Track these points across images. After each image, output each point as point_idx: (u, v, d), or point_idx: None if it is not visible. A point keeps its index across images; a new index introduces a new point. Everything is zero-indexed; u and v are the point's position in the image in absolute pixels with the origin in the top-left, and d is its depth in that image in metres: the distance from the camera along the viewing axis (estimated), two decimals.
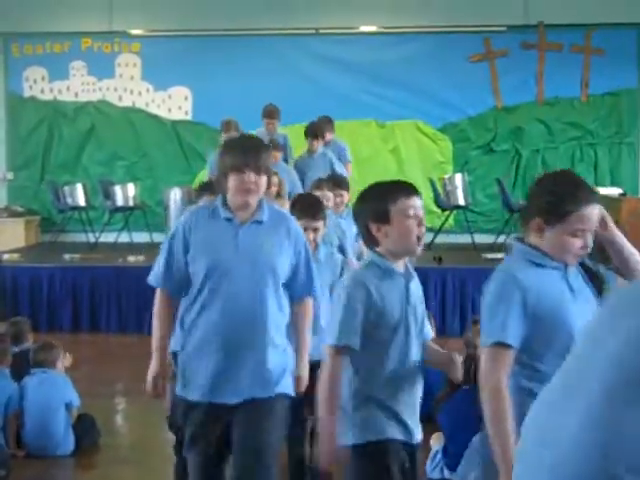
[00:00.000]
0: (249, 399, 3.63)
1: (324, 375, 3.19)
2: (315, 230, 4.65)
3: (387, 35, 12.86)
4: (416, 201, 3.25)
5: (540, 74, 12.70)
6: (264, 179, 3.68)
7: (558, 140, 12.76)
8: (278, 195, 7.02)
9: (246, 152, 3.63)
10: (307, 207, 4.72)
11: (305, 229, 4.36)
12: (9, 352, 5.99)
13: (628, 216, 9.57)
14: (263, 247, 3.67)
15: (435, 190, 11.77)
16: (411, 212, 3.20)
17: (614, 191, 10.96)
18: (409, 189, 3.29)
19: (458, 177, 11.97)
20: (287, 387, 3.77)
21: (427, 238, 11.12)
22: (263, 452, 3.61)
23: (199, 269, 3.65)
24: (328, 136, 9.61)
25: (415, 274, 3.37)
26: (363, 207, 3.33)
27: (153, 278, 3.83)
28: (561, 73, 12.55)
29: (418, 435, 3.32)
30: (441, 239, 11.69)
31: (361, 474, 3.22)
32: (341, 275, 4.70)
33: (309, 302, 3.93)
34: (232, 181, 3.64)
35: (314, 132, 9.32)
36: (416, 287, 3.33)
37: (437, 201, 11.87)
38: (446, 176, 12.05)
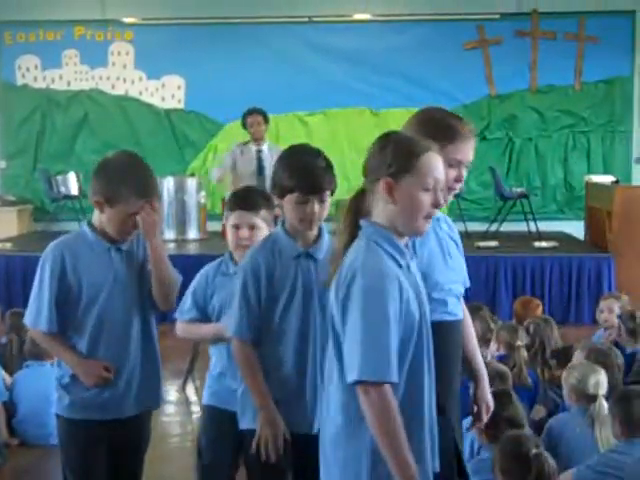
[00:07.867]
0: None
1: None
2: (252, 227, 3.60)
3: (380, 23, 12.82)
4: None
5: (534, 62, 12.69)
6: None
7: (551, 128, 12.75)
8: None
9: None
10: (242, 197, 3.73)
11: (238, 226, 3.60)
12: None
13: (621, 204, 9.62)
14: None
15: None
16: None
17: (607, 179, 10.99)
18: None
19: None
20: None
21: None
22: None
23: None
24: None
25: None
26: None
27: None
28: (555, 61, 12.53)
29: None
30: None
31: None
32: None
33: None
34: None
35: None
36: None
37: None
38: None
